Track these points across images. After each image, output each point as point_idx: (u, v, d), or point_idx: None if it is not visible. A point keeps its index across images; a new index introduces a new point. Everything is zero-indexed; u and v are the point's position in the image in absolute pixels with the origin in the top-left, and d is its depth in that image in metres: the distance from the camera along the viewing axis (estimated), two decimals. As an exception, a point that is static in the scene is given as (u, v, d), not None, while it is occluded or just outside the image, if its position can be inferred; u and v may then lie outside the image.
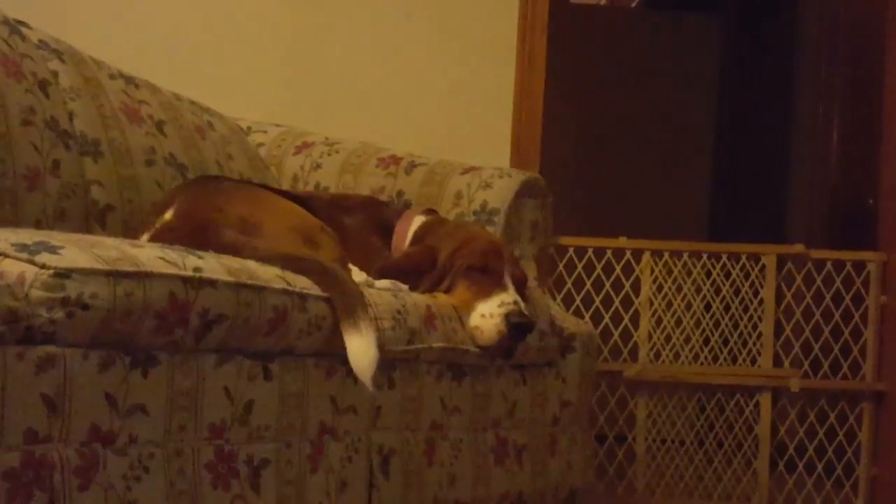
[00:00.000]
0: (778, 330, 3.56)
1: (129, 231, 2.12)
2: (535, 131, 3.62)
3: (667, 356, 3.57)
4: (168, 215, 1.99)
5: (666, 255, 3.57)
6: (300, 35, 3.61)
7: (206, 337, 1.48)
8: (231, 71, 3.55)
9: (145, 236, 1.97)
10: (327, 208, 2.28)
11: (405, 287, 2.06)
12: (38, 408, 1.27)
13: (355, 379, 1.68)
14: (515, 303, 2.10)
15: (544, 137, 3.67)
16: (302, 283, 1.68)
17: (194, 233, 1.88)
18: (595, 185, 5.59)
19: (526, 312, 2.10)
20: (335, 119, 3.48)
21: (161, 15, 3.53)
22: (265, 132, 3.01)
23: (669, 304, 3.57)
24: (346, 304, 1.69)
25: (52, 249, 1.33)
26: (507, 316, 2.07)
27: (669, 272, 3.57)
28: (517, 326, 2.08)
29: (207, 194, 2.05)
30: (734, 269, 3.57)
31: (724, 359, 3.60)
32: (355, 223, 2.31)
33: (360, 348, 1.66)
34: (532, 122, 3.62)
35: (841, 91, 4.72)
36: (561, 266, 3.53)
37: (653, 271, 3.56)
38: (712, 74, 5.72)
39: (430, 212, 2.44)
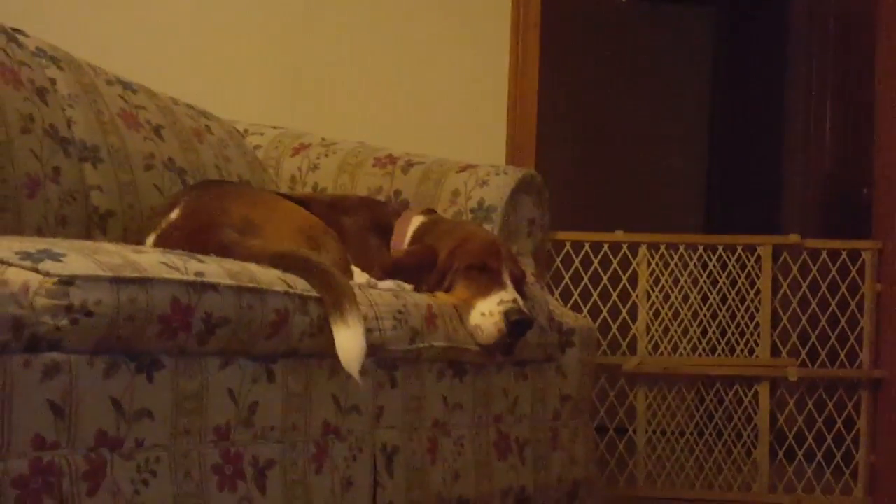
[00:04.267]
0: (775, 320, 3.58)
1: (130, 235, 2.14)
2: (530, 127, 3.63)
3: (665, 348, 3.58)
4: (174, 214, 2.01)
5: (662, 248, 3.59)
6: (295, 38, 3.62)
7: (210, 340, 1.49)
8: (227, 74, 3.56)
9: (151, 237, 1.98)
10: (326, 209, 2.29)
11: (409, 287, 2.07)
12: (45, 414, 1.29)
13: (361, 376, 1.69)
14: (514, 300, 2.11)
15: (539, 133, 3.68)
16: (303, 286, 1.69)
17: (198, 231, 1.90)
18: (591, 180, 5.60)
19: (525, 310, 2.12)
20: (331, 120, 3.49)
21: (157, 19, 3.53)
22: (262, 134, 3.02)
23: (667, 297, 3.58)
24: (334, 298, 1.70)
25: (55, 257, 1.34)
26: (506, 314, 2.09)
27: (666, 265, 3.58)
28: (517, 324, 2.10)
29: (213, 195, 2.07)
30: (730, 260, 3.59)
31: (722, 349, 3.62)
32: (354, 224, 2.31)
33: (348, 341, 1.66)
34: (526, 118, 3.63)
35: (833, 81, 4.74)
36: (558, 261, 3.54)
37: (650, 264, 3.58)
38: (705, 67, 5.74)
39: (428, 211, 2.46)
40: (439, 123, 3.63)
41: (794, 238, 3.59)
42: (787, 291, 3.59)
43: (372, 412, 1.85)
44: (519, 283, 2.21)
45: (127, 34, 3.48)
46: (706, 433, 3.63)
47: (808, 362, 3.60)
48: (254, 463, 1.57)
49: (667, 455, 3.59)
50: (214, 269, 1.53)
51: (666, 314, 3.58)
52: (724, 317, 3.61)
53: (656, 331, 3.58)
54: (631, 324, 3.57)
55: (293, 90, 3.60)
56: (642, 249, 3.57)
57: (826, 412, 3.55)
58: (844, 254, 3.57)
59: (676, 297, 3.59)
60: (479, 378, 2.16)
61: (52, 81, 2.19)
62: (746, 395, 3.56)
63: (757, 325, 3.56)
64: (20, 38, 2.18)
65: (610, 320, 3.55)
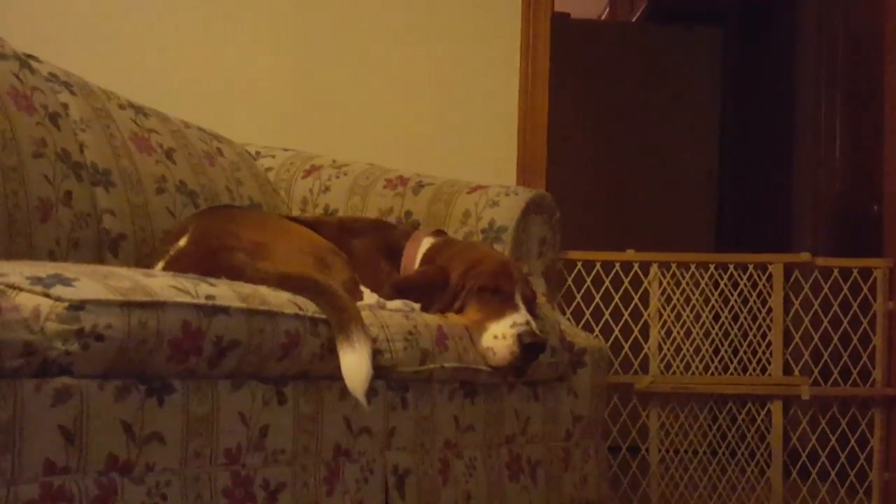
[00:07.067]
0: (787, 338, 3.57)
1: (142, 259, 2.15)
2: (541, 148, 3.64)
3: (677, 367, 3.58)
4: (182, 241, 2.02)
5: (674, 267, 3.58)
6: (306, 60, 3.64)
7: (221, 363, 1.50)
8: (238, 96, 3.58)
9: (160, 264, 1.99)
10: (336, 231, 2.29)
11: (417, 306, 2.07)
12: (55, 439, 1.29)
13: (368, 399, 1.69)
14: (528, 323, 2.11)
15: (549, 153, 3.68)
16: (314, 308, 1.69)
17: (207, 256, 1.91)
18: (601, 199, 5.60)
19: (538, 332, 2.12)
20: (343, 142, 3.51)
21: (168, 43, 3.56)
22: (273, 156, 3.04)
23: (678, 316, 3.58)
24: (340, 320, 1.70)
25: (66, 282, 1.35)
26: (519, 336, 2.09)
27: (678, 284, 3.58)
28: (530, 346, 2.09)
29: (222, 220, 2.08)
30: (742, 278, 3.58)
31: (735, 368, 3.61)
32: (364, 246, 2.32)
33: (353, 364, 1.66)
34: (537, 138, 3.64)
35: (842, 99, 4.74)
36: (569, 280, 3.54)
37: (661, 283, 3.57)
38: (715, 86, 5.73)
39: (438, 233, 2.46)
40: (450, 144, 3.64)
41: (805, 256, 3.59)
42: (799, 310, 3.58)
43: (383, 434, 1.85)
44: (531, 305, 2.21)
45: (139, 58, 3.51)
46: (719, 452, 3.62)
47: (820, 380, 3.58)
48: (265, 486, 1.57)
49: (680, 474, 3.58)
50: (225, 292, 1.53)
51: (678, 333, 3.58)
52: (735, 335, 3.60)
53: (668, 350, 3.57)
54: (643, 343, 3.57)
55: (304, 112, 3.62)
56: (653, 268, 3.57)
57: (839, 430, 3.53)
58: (856, 272, 3.55)
59: (688, 316, 3.58)
60: (491, 399, 2.16)
61: (65, 106, 2.20)
62: (759, 414, 3.55)
63: (769, 343, 3.55)
64: (33, 63, 2.19)
65: (622, 339, 3.54)
